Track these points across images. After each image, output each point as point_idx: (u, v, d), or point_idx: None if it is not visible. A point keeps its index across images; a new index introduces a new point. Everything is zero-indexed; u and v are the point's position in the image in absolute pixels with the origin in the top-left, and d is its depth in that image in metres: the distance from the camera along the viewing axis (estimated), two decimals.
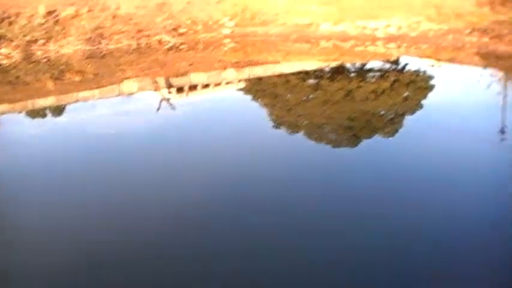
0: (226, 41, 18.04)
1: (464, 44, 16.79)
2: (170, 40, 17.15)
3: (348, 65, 14.59)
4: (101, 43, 16.11)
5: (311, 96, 10.65)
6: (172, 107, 10.08)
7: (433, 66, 14.67)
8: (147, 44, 17.12)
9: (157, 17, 18.50)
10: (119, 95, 11.45)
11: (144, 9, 19.23)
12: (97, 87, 11.62)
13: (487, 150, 7.28)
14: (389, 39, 17.93)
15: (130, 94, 11.54)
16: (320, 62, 14.85)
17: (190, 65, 14.54)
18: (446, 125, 8.22)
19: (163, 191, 6.04)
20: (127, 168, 6.82)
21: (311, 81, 12.49)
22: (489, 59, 14.57)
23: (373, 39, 17.88)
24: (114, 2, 18.81)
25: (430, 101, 10.13)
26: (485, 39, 16.43)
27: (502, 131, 7.93)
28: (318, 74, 13.41)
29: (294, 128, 8.45)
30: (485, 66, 13.52)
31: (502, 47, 15.14)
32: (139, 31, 17.35)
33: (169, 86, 12.03)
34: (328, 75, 13.18)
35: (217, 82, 12.74)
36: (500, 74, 12.67)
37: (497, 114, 8.88)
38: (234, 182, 6.28)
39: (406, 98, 10.71)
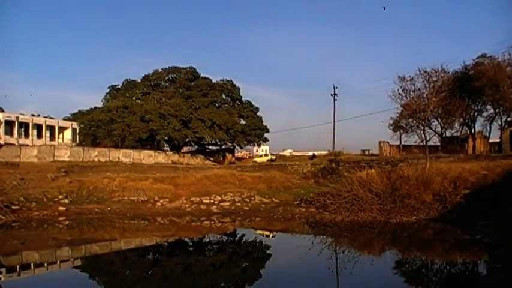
0: (61, 218, 17.33)
1: (294, 215, 17.92)
2: (1, 218, 15.92)
3: (186, 240, 14.19)
4: None
5: (150, 272, 10.33)
6: None
7: (267, 236, 14.97)
8: None
9: None
10: None
11: None
12: None
13: None
14: (224, 213, 18.42)
15: None
16: (158, 238, 14.32)
17: (23, 243, 13.19)
18: None
19: None
20: None
21: (150, 257, 11.85)
22: (317, 227, 15.50)
23: (209, 214, 18.24)
24: None
25: (267, 270, 9.90)
26: (312, 209, 17.62)
27: None
28: (156, 249, 12.84)
29: None
30: (314, 234, 14.13)
31: (327, 216, 16.27)
32: None
33: None
34: (167, 250, 12.64)
35: (51, 261, 11.77)
36: (329, 240, 13.34)
37: (330, 278, 8.93)
38: None
39: (245, 269, 10.69)
